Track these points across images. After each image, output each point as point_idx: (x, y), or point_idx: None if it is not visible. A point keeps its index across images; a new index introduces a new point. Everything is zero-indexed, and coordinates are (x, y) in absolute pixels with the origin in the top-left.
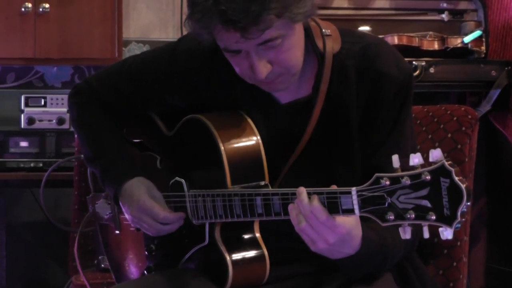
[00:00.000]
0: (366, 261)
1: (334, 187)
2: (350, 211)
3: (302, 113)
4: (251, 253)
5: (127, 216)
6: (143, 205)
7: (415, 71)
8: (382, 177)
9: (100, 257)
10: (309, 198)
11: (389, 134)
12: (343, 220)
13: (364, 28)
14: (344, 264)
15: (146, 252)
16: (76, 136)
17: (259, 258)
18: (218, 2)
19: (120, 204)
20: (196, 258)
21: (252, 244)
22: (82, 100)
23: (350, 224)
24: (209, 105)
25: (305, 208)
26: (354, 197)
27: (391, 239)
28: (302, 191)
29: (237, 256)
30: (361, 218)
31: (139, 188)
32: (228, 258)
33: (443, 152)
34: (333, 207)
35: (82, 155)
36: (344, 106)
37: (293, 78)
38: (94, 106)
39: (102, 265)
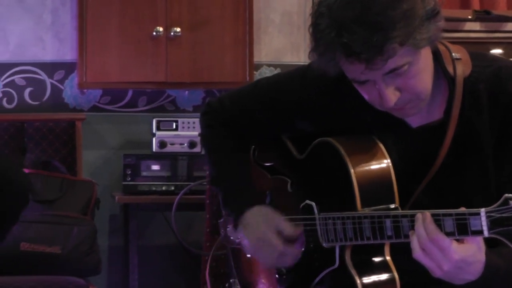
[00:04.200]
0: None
1: (463, 209)
2: (479, 233)
3: (434, 137)
4: (382, 277)
5: (244, 242)
6: (263, 236)
7: None
8: (511, 198)
9: (231, 280)
10: (423, 218)
11: None
12: (456, 247)
13: (497, 51)
14: None
15: (277, 276)
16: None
17: (389, 282)
18: (340, 35)
19: (239, 230)
20: (327, 281)
21: (383, 267)
22: (213, 121)
23: (465, 251)
24: (338, 129)
25: (419, 231)
26: (483, 218)
27: None
28: (419, 217)
29: (367, 279)
30: (493, 244)
31: (259, 218)
32: (358, 281)
33: None
34: (462, 229)
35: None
36: (476, 130)
37: (423, 103)
38: (224, 127)
39: None
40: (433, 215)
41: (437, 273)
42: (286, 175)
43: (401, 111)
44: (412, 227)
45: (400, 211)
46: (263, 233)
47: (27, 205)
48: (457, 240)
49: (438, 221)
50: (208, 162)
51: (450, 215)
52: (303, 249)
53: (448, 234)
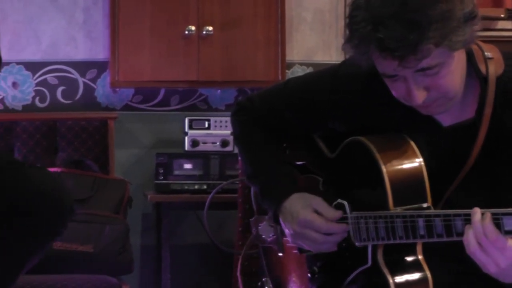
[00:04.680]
0: None
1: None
2: None
3: (466, 136)
4: (414, 276)
5: (287, 232)
6: (304, 219)
7: None
8: None
9: (263, 279)
10: (482, 217)
11: None
12: None
13: None
14: None
15: (309, 275)
16: (239, 156)
17: (422, 281)
18: (376, 30)
19: (280, 221)
20: (359, 281)
21: (415, 266)
22: (244, 118)
23: None
24: (369, 127)
25: (477, 228)
26: None
27: None
28: (476, 211)
29: (400, 279)
30: None
31: (298, 204)
32: (391, 281)
33: None
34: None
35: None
36: (508, 129)
37: (450, 103)
38: (255, 125)
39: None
40: (465, 214)
41: (491, 269)
42: (317, 174)
43: (428, 108)
44: (445, 227)
45: (433, 211)
46: (304, 217)
47: (67, 222)
48: None
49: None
50: (242, 159)
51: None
52: (347, 227)
53: None
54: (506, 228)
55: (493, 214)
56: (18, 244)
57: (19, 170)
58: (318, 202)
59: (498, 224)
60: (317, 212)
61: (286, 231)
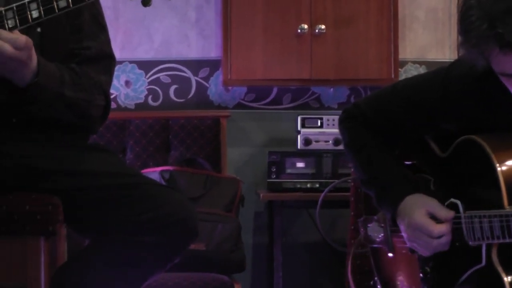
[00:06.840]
0: None
1: None
2: None
3: None
4: None
5: (404, 235)
6: (415, 223)
7: None
8: None
9: (375, 278)
10: None
11: None
12: None
13: None
14: None
15: (421, 275)
16: (350, 163)
17: None
18: (493, 26)
19: (398, 224)
20: (473, 280)
21: None
22: (352, 125)
23: None
24: (481, 127)
25: None
26: None
27: None
28: None
29: None
30: None
31: (411, 207)
32: (506, 279)
33: None
34: None
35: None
36: None
37: None
38: (364, 130)
39: (378, 287)
40: None
41: None
42: (428, 174)
43: None
44: None
45: None
46: (418, 220)
47: (194, 241)
48: None
49: None
50: (354, 166)
51: None
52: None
53: None
54: None
55: None
56: (149, 259)
57: (171, 192)
58: (432, 204)
59: None
60: (430, 213)
61: (403, 234)
